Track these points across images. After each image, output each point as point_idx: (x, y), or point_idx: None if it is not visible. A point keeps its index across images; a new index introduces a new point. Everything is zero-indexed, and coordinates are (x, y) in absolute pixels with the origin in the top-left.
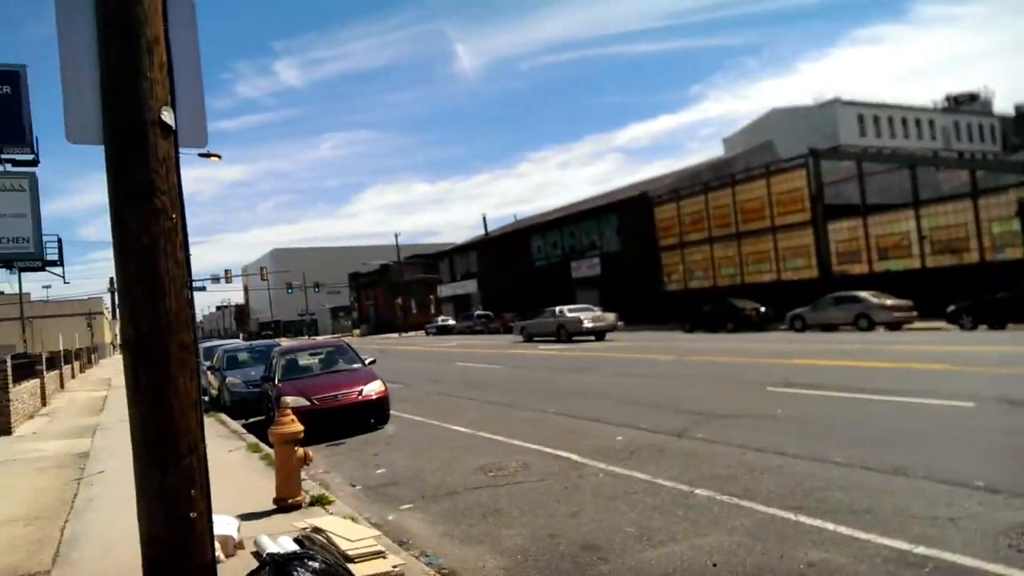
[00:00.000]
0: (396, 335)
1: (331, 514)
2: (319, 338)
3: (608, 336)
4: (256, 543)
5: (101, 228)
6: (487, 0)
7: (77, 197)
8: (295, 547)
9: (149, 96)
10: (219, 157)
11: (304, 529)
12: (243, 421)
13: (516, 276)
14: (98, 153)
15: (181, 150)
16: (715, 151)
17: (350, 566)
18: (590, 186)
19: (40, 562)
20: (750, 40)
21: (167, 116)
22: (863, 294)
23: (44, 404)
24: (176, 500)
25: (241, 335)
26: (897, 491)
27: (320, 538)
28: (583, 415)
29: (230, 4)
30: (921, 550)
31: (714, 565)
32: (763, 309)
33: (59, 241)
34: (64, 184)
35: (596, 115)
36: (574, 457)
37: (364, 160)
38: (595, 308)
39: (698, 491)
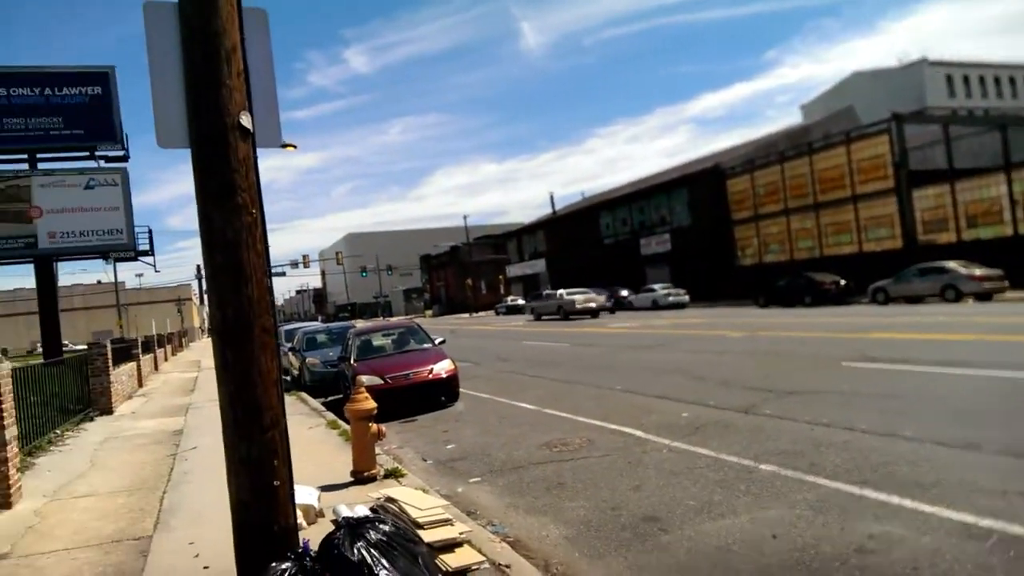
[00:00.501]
0: (467, 315)
1: (404, 486)
2: (391, 319)
3: (679, 312)
4: (334, 511)
5: (186, 218)
6: None
7: (164, 188)
8: (370, 515)
9: (229, 102)
10: (294, 147)
11: (379, 499)
12: (322, 399)
13: (585, 254)
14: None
15: (258, 148)
16: (794, 119)
17: (420, 532)
18: (662, 159)
19: (143, 528)
20: (829, 0)
21: (245, 120)
22: (950, 264)
23: (140, 385)
24: (260, 469)
25: (320, 318)
26: (968, 466)
27: (393, 507)
28: (649, 392)
29: None
30: (987, 523)
31: (774, 537)
32: (842, 282)
33: (149, 232)
34: (151, 176)
35: (666, 86)
36: (638, 433)
37: (432, 143)
38: (590, 291)
39: (762, 466)
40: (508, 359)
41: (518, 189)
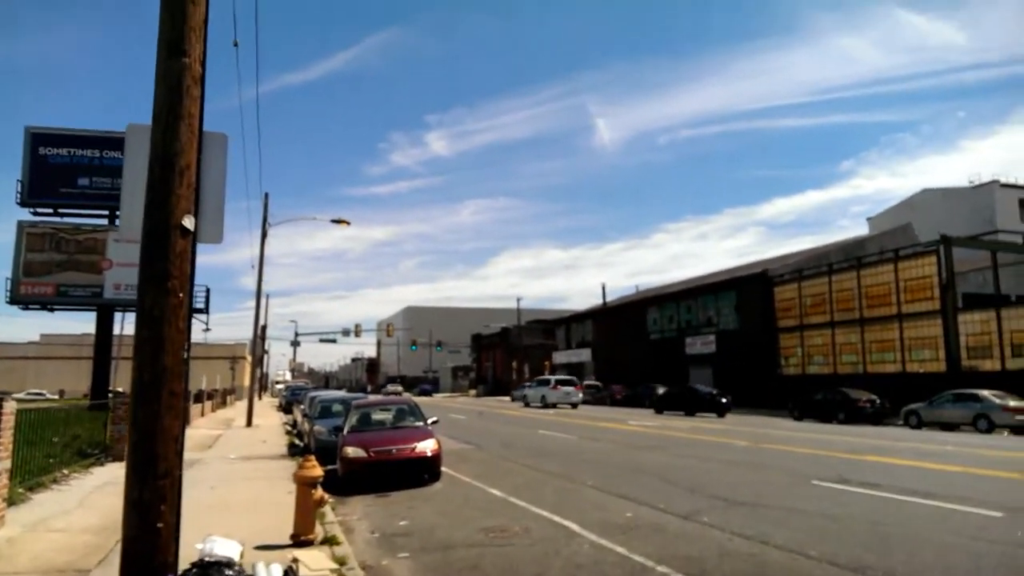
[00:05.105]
0: (508, 398)
1: (335, 553)
2: (389, 396)
3: (708, 416)
4: (253, 567)
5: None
6: (629, 77)
7: (242, 250)
8: (280, 573)
9: (176, 207)
10: (347, 223)
11: (290, 560)
12: (324, 468)
13: (630, 348)
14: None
15: (203, 243)
16: (863, 230)
17: None
18: (729, 259)
19: (89, 563)
20: (910, 116)
21: (188, 222)
22: (984, 393)
23: None
24: (148, 511)
25: (368, 388)
26: None
27: (296, 567)
28: (614, 491)
29: (390, 82)
30: None
31: None
32: (878, 401)
33: (207, 292)
34: (233, 239)
35: (738, 188)
36: (574, 527)
37: (501, 226)
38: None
39: (659, 567)
40: (511, 446)
41: (581, 277)
